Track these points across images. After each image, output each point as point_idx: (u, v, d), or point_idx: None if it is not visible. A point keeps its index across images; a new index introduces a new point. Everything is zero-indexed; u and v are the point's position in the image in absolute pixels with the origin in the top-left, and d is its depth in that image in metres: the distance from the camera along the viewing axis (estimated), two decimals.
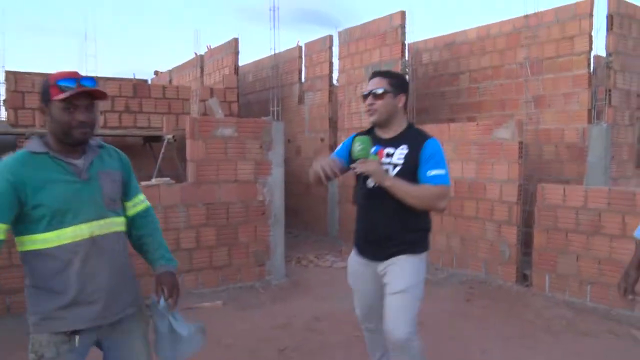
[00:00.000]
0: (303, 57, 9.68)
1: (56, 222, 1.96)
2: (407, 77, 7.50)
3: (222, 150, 5.76)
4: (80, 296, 2.00)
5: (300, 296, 5.59)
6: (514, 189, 6.06)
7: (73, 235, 1.98)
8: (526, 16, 7.53)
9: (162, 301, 2.21)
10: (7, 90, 7.23)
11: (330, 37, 9.01)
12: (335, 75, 9.15)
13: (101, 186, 2.08)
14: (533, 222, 5.87)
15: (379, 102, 2.74)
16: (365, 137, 2.74)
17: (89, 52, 18.81)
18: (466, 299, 5.62)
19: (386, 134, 2.82)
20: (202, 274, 5.71)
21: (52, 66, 33.35)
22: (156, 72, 13.86)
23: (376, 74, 2.85)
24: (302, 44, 9.78)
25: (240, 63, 9.43)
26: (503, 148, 6.16)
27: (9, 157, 1.98)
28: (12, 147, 5.62)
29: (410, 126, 2.85)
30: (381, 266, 2.80)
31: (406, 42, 7.55)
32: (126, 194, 2.27)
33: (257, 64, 11.10)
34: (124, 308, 2.13)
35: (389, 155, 2.74)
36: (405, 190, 2.63)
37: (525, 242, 6.16)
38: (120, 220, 2.18)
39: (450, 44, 8.91)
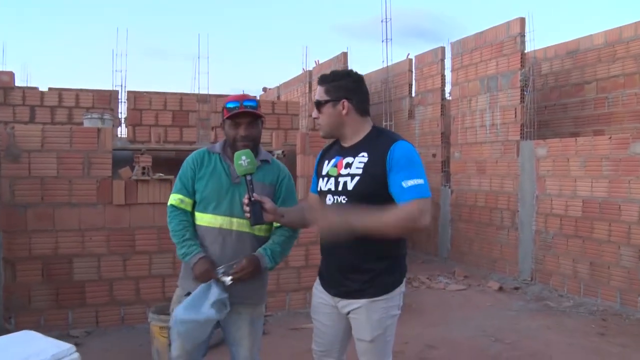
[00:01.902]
0: (413, 70, 9.41)
1: (204, 206, 2.49)
2: (526, 88, 7.00)
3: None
4: None
5: (413, 321, 5.29)
6: None
7: (209, 221, 2.48)
8: None
9: (227, 277, 2.37)
10: (128, 109, 7.68)
11: (442, 49, 8.67)
12: (447, 88, 8.80)
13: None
14: None
15: (320, 115, 2.32)
16: (247, 150, 2.36)
17: (202, 70, 19.88)
18: (599, 333, 5.03)
19: (346, 142, 2.36)
20: (310, 293, 5.56)
21: (169, 86, 35.69)
22: (264, 89, 14.23)
23: (318, 81, 2.40)
24: (411, 57, 9.53)
25: None
26: None
27: (197, 151, 2.61)
28: (128, 161, 5.88)
29: (374, 130, 2.34)
30: (343, 303, 2.33)
31: (526, 51, 7.06)
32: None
33: (365, 78, 10.96)
34: (238, 298, 2.43)
35: (348, 165, 2.27)
36: (377, 224, 2.08)
37: None
38: (257, 225, 2.42)
39: (573, 52, 8.24)
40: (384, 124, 8.24)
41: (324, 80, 2.35)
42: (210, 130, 8.01)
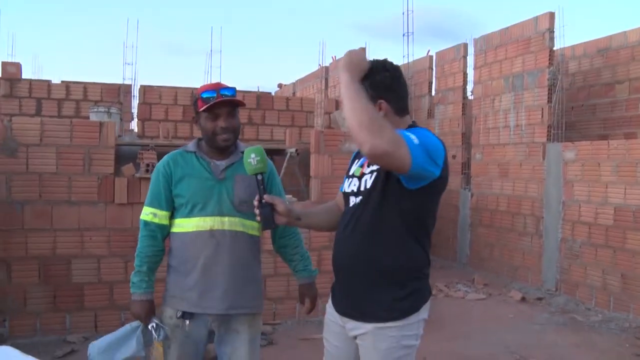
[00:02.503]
0: (434, 67, 9.06)
1: (188, 211, 2.25)
2: (554, 88, 6.61)
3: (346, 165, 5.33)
4: (194, 283, 2.24)
5: (431, 334, 4.89)
6: None
7: (197, 225, 2.24)
8: None
9: (162, 333, 2.24)
10: (138, 103, 7.45)
11: (465, 46, 8.30)
12: (469, 87, 8.43)
13: (234, 187, 2.28)
14: None
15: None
16: (257, 147, 2.07)
17: (215, 64, 19.20)
18: (635, 354, 4.65)
19: None
20: (322, 300, 5.27)
21: (181, 81, 35.59)
22: (280, 85, 13.94)
23: None
24: (432, 53, 9.18)
25: None
26: None
27: (168, 154, 2.35)
28: (133, 158, 5.62)
29: (410, 127, 2.00)
30: (350, 326, 2.03)
31: (555, 49, 6.67)
32: None
33: None
34: (235, 307, 2.27)
35: (371, 163, 2.00)
36: (359, 104, 1.71)
37: None
38: (250, 223, 2.30)
39: (604, 50, 7.82)
40: None
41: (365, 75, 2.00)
42: None
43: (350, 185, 2.06)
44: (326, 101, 8.38)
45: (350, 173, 2.12)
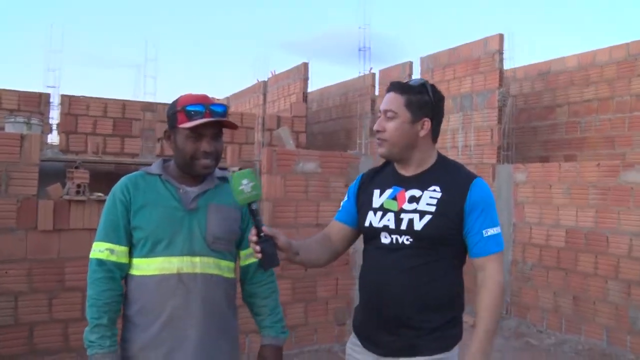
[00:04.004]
0: (377, 85, 8.91)
1: (149, 249, 1.83)
2: (504, 109, 6.60)
3: (303, 188, 4.97)
4: (157, 340, 1.81)
5: None
6: None
7: (160, 267, 1.82)
8: None
9: None
10: (61, 113, 6.71)
11: (410, 64, 8.23)
12: None
13: (207, 220, 1.87)
14: None
15: (388, 129, 1.89)
16: (248, 170, 1.78)
17: (148, 73, 17.95)
18: None
19: (407, 170, 1.96)
20: (339, 329, 4.99)
21: (109, 93, 33.95)
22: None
23: (391, 87, 1.97)
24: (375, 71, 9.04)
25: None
26: (634, 194, 5.15)
27: (125, 177, 1.92)
28: (58, 176, 4.97)
29: (441, 159, 1.99)
30: None
31: (504, 70, 6.68)
32: (241, 240, 1.99)
33: (323, 92, 10.42)
34: None
35: (414, 199, 1.88)
36: (495, 323, 1.88)
37: None
38: (226, 264, 1.93)
39: (544, 73, 7.98)
40: (358, 141, 7.63)
41: (405, 89, 1.92)
42: (156, 142, 7.13)
43: (383, 220, 1.91)
44: (268, 117, 7.97)
45: (377, 205, 1.95)
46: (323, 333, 5.09)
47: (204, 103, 1.85)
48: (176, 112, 1.86)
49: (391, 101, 1.91)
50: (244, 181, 1.68)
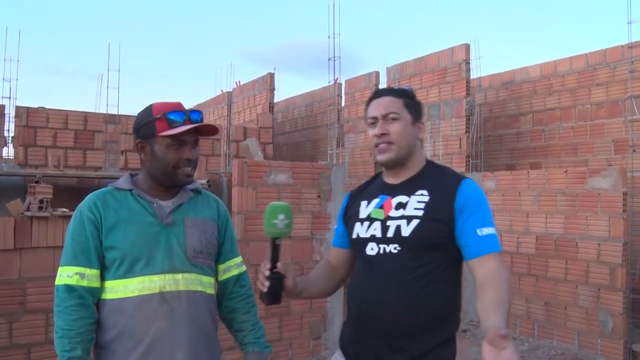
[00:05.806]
0: (343, 95, 8.89)
1: (126, 269, 1.71)
2: (472, 118, 6.66)
3: (275, 200, 4.86)
4: None
5: None
6: (617, 248, 5.11)
7: (140, 287, 1.71)
8: (604, 51, 6.75)
9: None
10: (18, 126, 6.41)
11: (377, 74, 8.24)
12: None
13: (185, 234, 1.79)
14: None
15: (393, 132, 1.82)
16: (287, 206, 1.69)
17: (112, 84, 17.24)
18: None
19: (395, 178, 1.88)
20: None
21: (68, 105, 32.98)
22: None
23: (384, 92, 1.95)
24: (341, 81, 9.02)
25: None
26: (601, 199, 5.26)
27: (92, 194, 1.81)
28: (17, 191, 4.73)
29: (430, 164, 1.94)
30: None
31: (471, 79, 6.75)
32: (219, 254, 1.93)
33: (288, 102, 10.35)
34: None
35: (400, 205, 1.80)
36: (507, 306, 1.61)
37: (634, 311, 5.19)
38: (208, 280, 1.86)
39: (508, 83, 8.11)
40: (329, 151, 7.57)
41: (400, 92, 1.91)
42: (120, 155, 6.89)
43: (370, 230, 1.83)
44: (234, 128, 7.82)
45: (364, 216, 1.87)
46: (298, 348, 4.98)
47: (182, 110, 1.80)
48: (154, 120, 1.77)
49: (390, 104, 1.86)
50: (281, 216, 1.64)
